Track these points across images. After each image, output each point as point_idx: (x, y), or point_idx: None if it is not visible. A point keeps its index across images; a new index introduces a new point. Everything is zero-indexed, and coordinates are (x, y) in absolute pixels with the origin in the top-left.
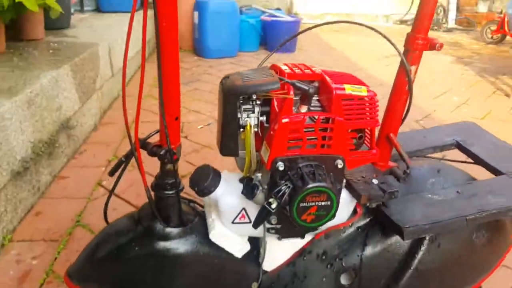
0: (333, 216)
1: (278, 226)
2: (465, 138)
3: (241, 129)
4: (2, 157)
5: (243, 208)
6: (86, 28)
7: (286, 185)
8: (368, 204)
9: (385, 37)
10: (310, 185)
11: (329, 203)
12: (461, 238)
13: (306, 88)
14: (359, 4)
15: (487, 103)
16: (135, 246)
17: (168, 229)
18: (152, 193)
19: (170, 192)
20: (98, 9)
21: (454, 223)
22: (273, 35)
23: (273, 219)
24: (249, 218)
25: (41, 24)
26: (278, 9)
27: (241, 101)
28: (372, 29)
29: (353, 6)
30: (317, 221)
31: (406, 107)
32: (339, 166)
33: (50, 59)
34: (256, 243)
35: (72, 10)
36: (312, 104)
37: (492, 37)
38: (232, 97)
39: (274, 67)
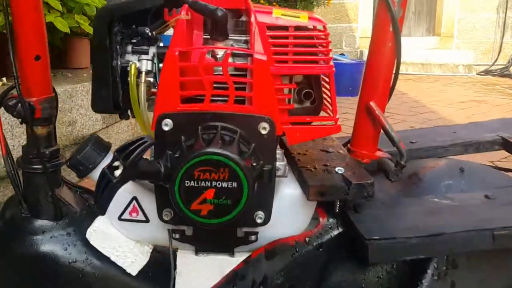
0: (245, 209)
1: (189, 230)
2: None
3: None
4: None
5: (134, 198)
6: None
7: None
8: (322, 204)
9: None
10: (199, 151)
11: (235, 185)
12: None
13: (211, 9)
14: (437, 53)
15: None
16: None
17: (35, 222)
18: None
19: (35, 167)
20: None
21: (469, 239)
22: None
23: (166, 214)
24: (144, 213)
25: (86, 54)
26: (342, 54)
27: (119, 31)
28: None
29: (430, 54)
30: (218, 215)
31: (395, 62)
32: (263, 132)
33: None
34: (165, 258)
35: None
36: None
37: None
38: (100, 21)
39: None
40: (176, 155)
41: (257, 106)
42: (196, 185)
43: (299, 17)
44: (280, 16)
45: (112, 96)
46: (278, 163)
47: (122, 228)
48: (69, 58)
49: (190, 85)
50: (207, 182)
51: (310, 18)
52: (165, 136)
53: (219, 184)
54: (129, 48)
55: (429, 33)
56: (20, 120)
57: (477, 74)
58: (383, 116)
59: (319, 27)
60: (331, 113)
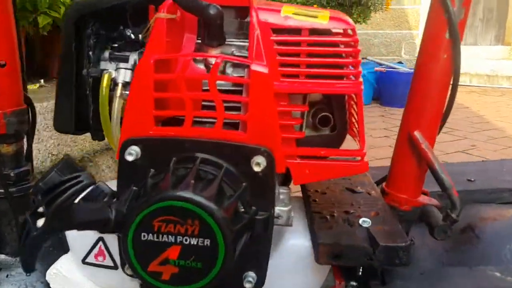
0: (222, 274)
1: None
2: None
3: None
4: None
5: (101, 239)
6: None
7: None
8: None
9: None
10: (159, 195)
11: (207, 242)
12: None
13: (201, 6)
14: (505, 64)
15: None
16: None
17: None
18: None
19: None
20: None
21: None
22: (389, 87)
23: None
24: (112, 258)
25: None
26: (400, 62)
27: (94, 34)
28: None
29: (497, 65)
30: (185, 281)
31: (452, 79)
32: (256, 169)
33: None
34: None
35: None
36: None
37: None
38: (68, 22)
39: None
40: (135, 197)
41: (252, 133)
42: (155, 239)
43: (317, 17)
44: (291, 15)
45: (78, 113)
46: (279, 208)
47: (86, 273)
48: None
49: (171, 103)
50: (170, 237)
51: (332, 18)
52: (129, 169)
53: (186, 240)
54: (106, 54)
55: (498, 42)
56: None
57: None
58: (431, 152)
59: (346, 31)
60: (357, 144)
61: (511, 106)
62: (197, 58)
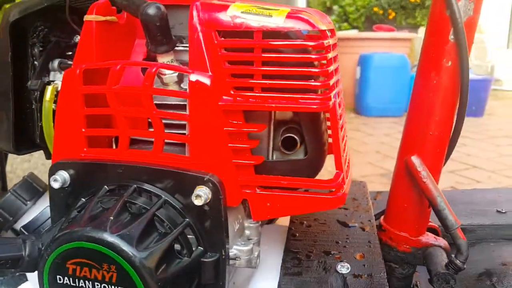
0: None
1: None
2: None
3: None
4: None
5: None
6: None
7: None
8: None
9: None
10: (70, 233)
11: None
12: None
13: (137, 4)
14: None
15: None
16: None
17: None
18: None
19: None
20: None
21: None
22: None
23: None
24: None
25: None
26: None
27: (39, 41)
28: None
29: None
30: None
31: (460, 91)
32: (197, 203)
33: None
34: None
35: None
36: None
37: None
38: (3, 23)
39: None
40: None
41: (195, 158)
42: (71, 284)
43: (272, 15)
44: (240, 13)
45: (21, 131)
46: (237, 248)
47: None
48: None
49: (110, 120)
50: (87, 283)
51: (291, 16)
52: (59, 197)
53: (98, 284)
54: (56, 63)
55: None
56: None
57: None
58: (431, 181)
59: (309, 31)
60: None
61: None
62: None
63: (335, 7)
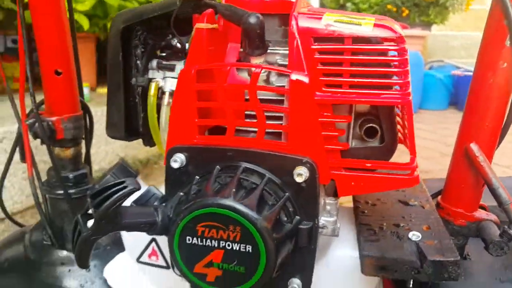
0: (265, 279)
1: None
2: None
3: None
4: None
5: (154, 239)
6: None
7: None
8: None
9: None
10: (201, 202)
11: (249, 248)
12: None
13: (239, 14)
14: None
15: None
16: (10, 270)
17: (53, 252)
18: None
19: (58, 192)
20: None
21: None
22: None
23: None
24: (164, 258)
25: None
26: None
27: (142, 43)
28: None
29: None
30: (229, 283)
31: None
32: (298, 180)
33: None
34: None
35: None
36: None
37: None
38: (115, 32)
39: None
40: (180, 202)
41: (294, 144)
42: (199, 243)
43: (361, 24)
44: (333, 22)
45: (128, 121)
46: (324, 219)
47: (141, 271)
48: None
49: (214, 112)
50: (213, 241)
51: (377, 25)
52: (175, 175)
53: (228, 245)
54: (154, 63)
55: None
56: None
57: None
58: (488, 165)
59: (392, 39)
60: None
61: None
62: (242, 67)
63: (349, 4)
